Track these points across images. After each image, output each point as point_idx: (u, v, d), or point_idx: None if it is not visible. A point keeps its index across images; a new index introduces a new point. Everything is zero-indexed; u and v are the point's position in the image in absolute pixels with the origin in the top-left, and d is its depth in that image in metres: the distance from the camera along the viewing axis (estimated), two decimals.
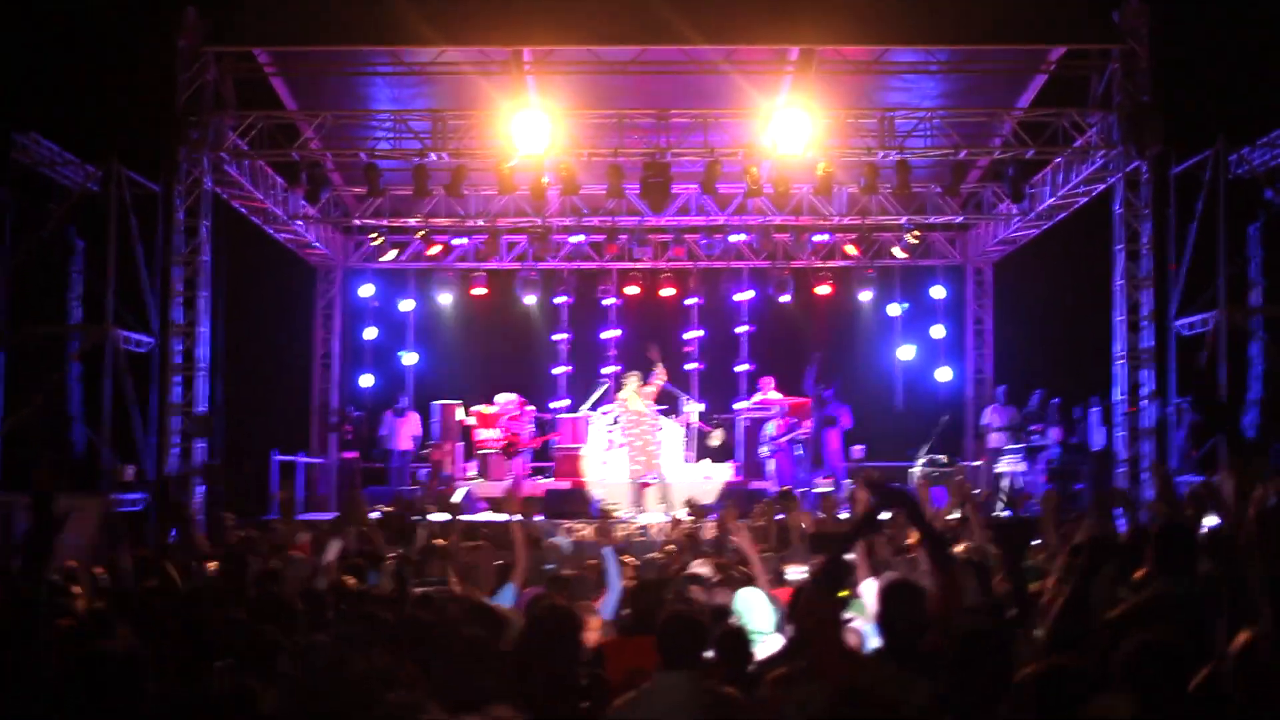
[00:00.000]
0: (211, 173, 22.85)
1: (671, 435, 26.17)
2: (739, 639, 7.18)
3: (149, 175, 22.87)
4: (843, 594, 8.58)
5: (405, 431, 27.47)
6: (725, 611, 8.96)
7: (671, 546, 15.61)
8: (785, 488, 23.00)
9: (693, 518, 17.26)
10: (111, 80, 23.17)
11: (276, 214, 25.92)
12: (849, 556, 9.76)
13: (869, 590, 8.94)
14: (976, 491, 23.27)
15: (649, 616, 8.18)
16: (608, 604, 9.82)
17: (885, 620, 6.59)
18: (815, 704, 6.02)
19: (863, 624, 8.69)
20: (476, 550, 11.95)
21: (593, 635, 8.73)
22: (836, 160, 23.48)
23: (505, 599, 9.73)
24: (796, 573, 10.30)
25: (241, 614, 7.87)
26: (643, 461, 23.29)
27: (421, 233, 28.04)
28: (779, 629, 8.60)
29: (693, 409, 27.93)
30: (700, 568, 11.14)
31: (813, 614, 6.74)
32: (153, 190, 22.90)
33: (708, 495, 24.11)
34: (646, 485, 23.48)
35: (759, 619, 8.70)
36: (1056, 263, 27.13)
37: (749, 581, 9.73)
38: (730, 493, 23.29)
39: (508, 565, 10.79)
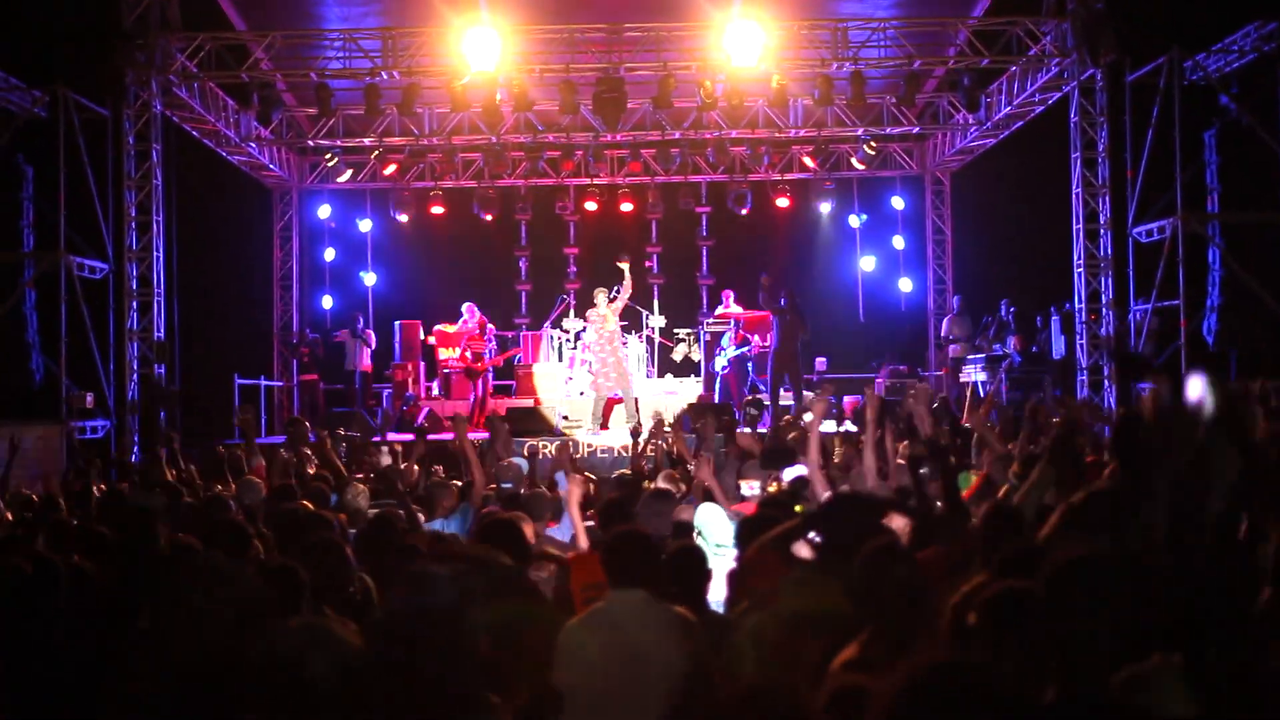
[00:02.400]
0: (161, 96, 22.65)
1: (635, 350, 26.18)
2: (693, 558, 7.14)
3: (97, 100, 22.63)
4: (798, 508, 8.60)
5: (364, 352, 27.34)
6: (687, 527, 8.96)
7: (641, 464, 15.66)
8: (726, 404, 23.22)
9: (658, 433, 17.23)
10: (56, 4, 22.86)
11: (229, 136, 25.75)
12: (803, 472, 9.80)
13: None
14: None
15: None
16: (563, 528, 9.81)
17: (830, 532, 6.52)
18: (766, 630, 6.03)
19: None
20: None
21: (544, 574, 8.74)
22: (791, 73, 23.38)
23: (463, 520, 9.74)
24: (750, 488, 10.32)
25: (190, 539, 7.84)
26: (613, 378, 23.23)
27: (376, 152, 27.88)
28: (735, 540, 8.57)
29: (655, 323, 27.91)
30: (665, 483, 11.13)
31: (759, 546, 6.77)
32: (101, 115, 22.65)
33: (671, 409, 24.21)
34: (614, 401, 23.45)
35: (719, 534, 8.68)
36: (1015, 172, 27.08)
37: (710, 497, 9.72)
38: (695, 407, 23.30)
39: (465, 486, 10.80)
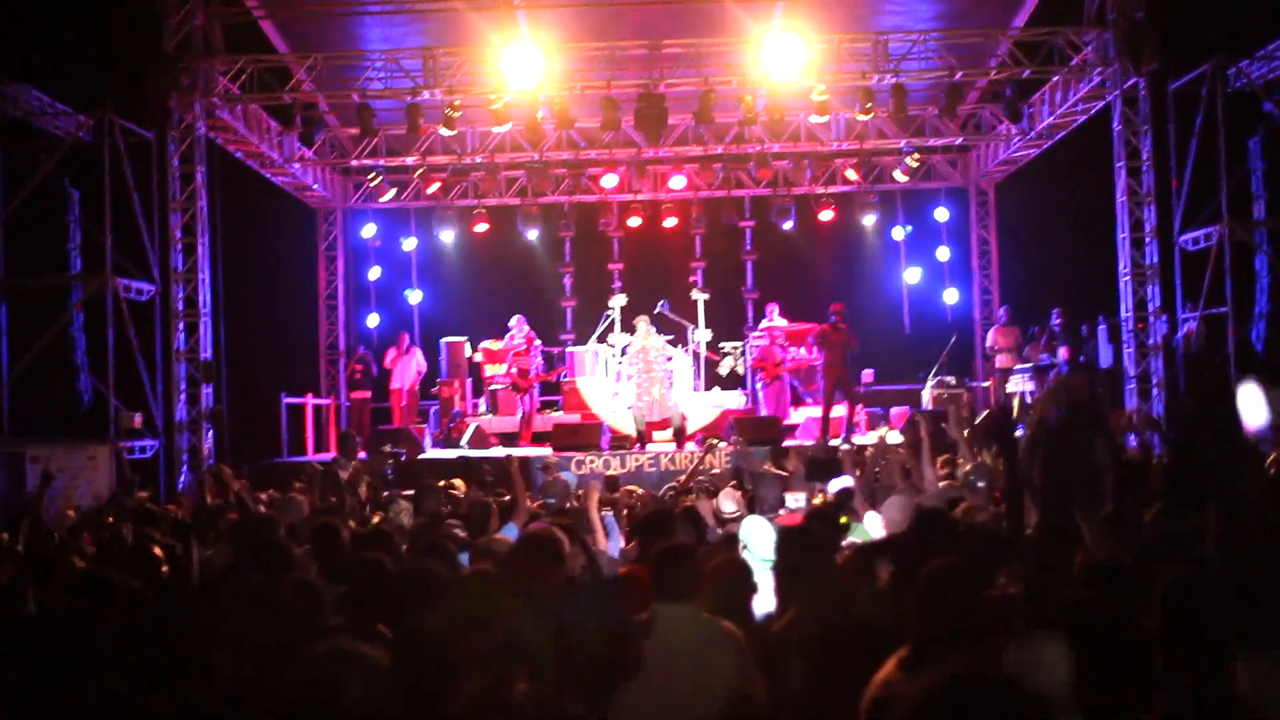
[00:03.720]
0: (204, 118, 22.80)
1: (680, 365, 26.18)
2: (738, 571, 7.15)
3: (142, 123, 22.77)
4: (844, 520, 8.61)
5: (410, 369, 27.38)
6: (734, 540, 8.97)
7: (684, 478, 15.68)
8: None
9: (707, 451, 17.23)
10: (101, 29, 23.01)
11: (272, 158, 25.88)
12: (849, 484, 9.80)
13: (871, 520, 8.96)
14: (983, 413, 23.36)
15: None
16: (611, 545, 9.84)
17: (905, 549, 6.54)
18: (812, 643, 6.03)
19: None
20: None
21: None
22: (832, 86, 23.34)
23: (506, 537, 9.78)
24: (795, 500, 10.30)
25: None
26: (652, 398, 23.28)
27: (419, 171, 27.97)
28: (776, 550, 8.56)
29: (700, 337, 27.90)
30: (725, 501, 11.14)
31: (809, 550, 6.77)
32: (146, 138, 22.79)
33: (715, 422, 24.30)
34: (654, 425, 23.50)
35: (764, 547, 8.67)
36: (1059, 182, 26.98)
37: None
38: (737, 423, 23.31)
39: (507, 505, 10.83)
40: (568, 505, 11.79)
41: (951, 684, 3.01)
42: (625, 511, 14.22)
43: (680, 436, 23.21)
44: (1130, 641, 4.73)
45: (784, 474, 12.34)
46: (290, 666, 4.49)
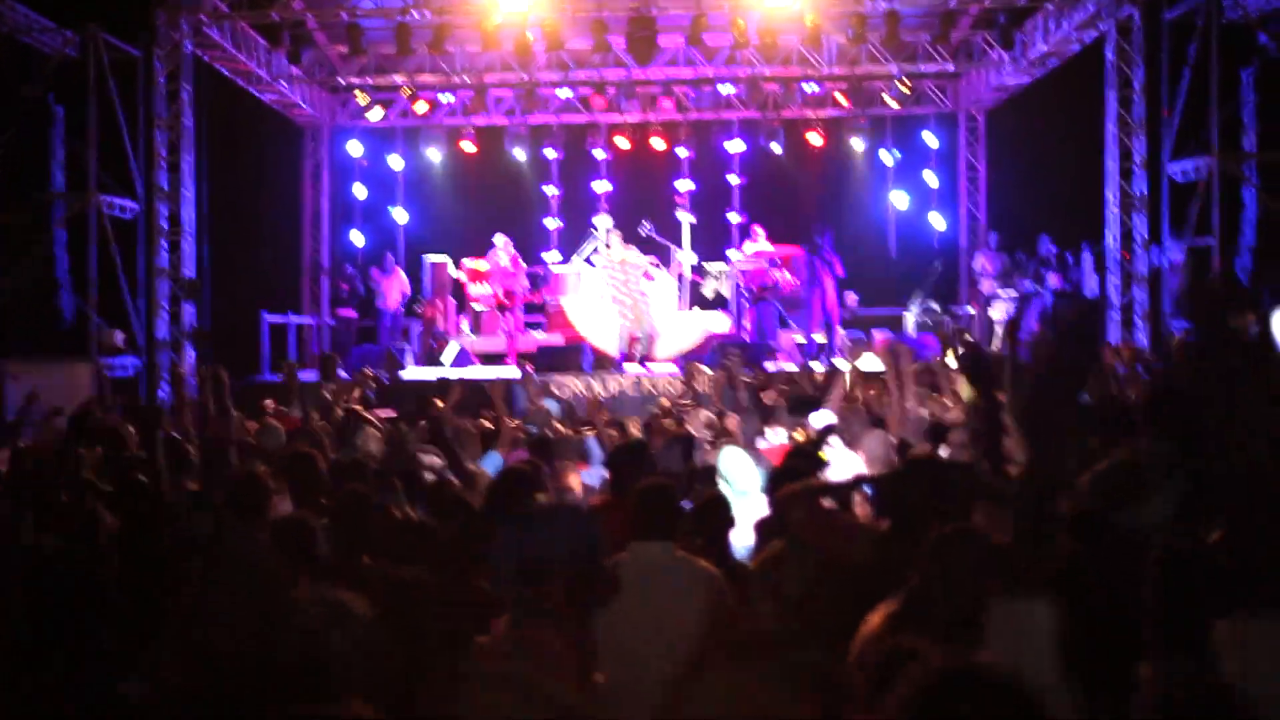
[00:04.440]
0: (192, 35, 22.64)
1: (664, 286, 26.11)
2: (717, 508, 7.13)
3: (128, 40, 22.59)
4: (822, 456, 8.58)
5: (394, 288, 27.25)
6: (712, 472, 8.94)
7: (665, 403, 15.66)
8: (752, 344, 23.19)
9: (688, 374, 17.20)
10: None
11: (259, 75, 25.62)
12: (831, 419, 9.77)
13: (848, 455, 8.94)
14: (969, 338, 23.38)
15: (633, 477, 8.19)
16: (593, 473, 9.81)
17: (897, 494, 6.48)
18: (794, 583, 6.01)
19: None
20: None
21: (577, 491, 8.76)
22: (824, 11, 23.18)
23: (489, 465, 9.72)
24: (775, 434, 10.26)
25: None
26: (631, 316, 23.20)
27: (407, 90, 27.78)
28: (765, 490, 8.52)
29: (685, 259, 27.81)
30: (700, 427, 11.12)
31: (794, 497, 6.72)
32: (132, 55, 22.65)
33: (699, 345, 24.27)
34: (635, 339, 23.42)
35: (743, 480, 8.65)
36: (1050, 110, 26.81)
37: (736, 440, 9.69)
38: (720, 346, 23.26)
39: (489, 432, 10.78)
40: (550, 433, 11.71)
41: (941, 682, 2.97)
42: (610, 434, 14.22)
43: (646, 357, 23.20)
44: (1123, 603, 4.69)
45: (766, 405, 12.30)
46: (274, 615, 4.45)
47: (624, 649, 6.05)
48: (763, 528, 7.34)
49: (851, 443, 9.27)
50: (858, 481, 6.87)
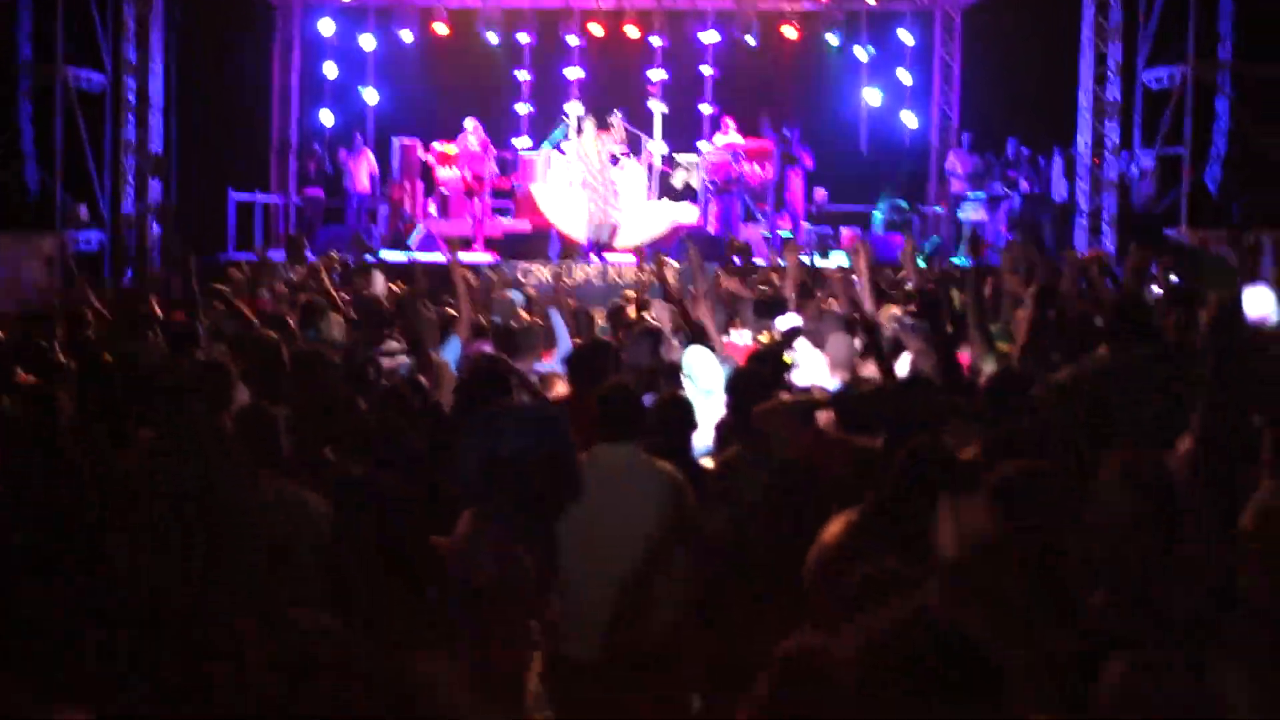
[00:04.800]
0: None
1: (634, 175, 26.03)
2: (679, 409, 7.14)
3: None
4: (787, 360, 8.59)
5: (362, 169, 27.06)
6: (675, 369, 8.94)
7: (630, 293, 15.64)
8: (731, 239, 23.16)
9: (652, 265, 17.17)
10: None
11: None
12: (796, 322, 9.77)
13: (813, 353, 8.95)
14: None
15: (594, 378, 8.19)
16: (557, 360, 9.78)
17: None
18: (750, 488, 6.06)
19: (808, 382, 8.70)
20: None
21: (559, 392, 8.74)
22: None
23: (449, 353, 9.68)
24: (741, 336, 10.25)
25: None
26: (599, 205, 23.17)
27: None
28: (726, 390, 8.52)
29: (655, 149, 27.72)
30: (660, 314, 11.10)
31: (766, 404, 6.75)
32: None
33: (666, 236, 24.24)
34: (602, 226, 23.40)
35: (707, 378, 8.65)
36: (1027, 11, 26.65)
37: (702, 336, 9.65)
38: (689, 236, 23.25)
39: (452, 317, 10.72)
40: (512, 324, 11.67)
41: (895, 637, 2.98)
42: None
43: (609, 246, 23.22)
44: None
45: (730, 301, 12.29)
46: (235, 514, 4.42)
47: (587, 549, 6.12)
48: (722, 429, 7.38)
49: (819, 345, 9.27)
50: (838, 400, 6.89)
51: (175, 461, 5.05)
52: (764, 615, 5.43)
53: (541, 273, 21.63)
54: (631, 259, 22.76)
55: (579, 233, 23.60)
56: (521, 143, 29.47)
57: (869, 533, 5.02)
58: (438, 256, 22.25)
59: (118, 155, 22.25)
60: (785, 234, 23.57)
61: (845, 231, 25.41)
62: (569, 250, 23.10)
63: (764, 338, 9.86)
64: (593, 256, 22.83)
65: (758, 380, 7.16)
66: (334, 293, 12.98)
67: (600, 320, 12.68)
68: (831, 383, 8.30)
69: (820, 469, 6.17)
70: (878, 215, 26.19)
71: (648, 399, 8.95)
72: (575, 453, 5.63)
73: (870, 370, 8.08)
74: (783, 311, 10.37)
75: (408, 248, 24.30)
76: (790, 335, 9.44)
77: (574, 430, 6.54)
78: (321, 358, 8.43)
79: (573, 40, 29.71)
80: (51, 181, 21.71)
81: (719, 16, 29.57)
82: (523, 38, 29.76)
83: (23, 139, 22.49)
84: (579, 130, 24.35)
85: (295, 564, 4.21)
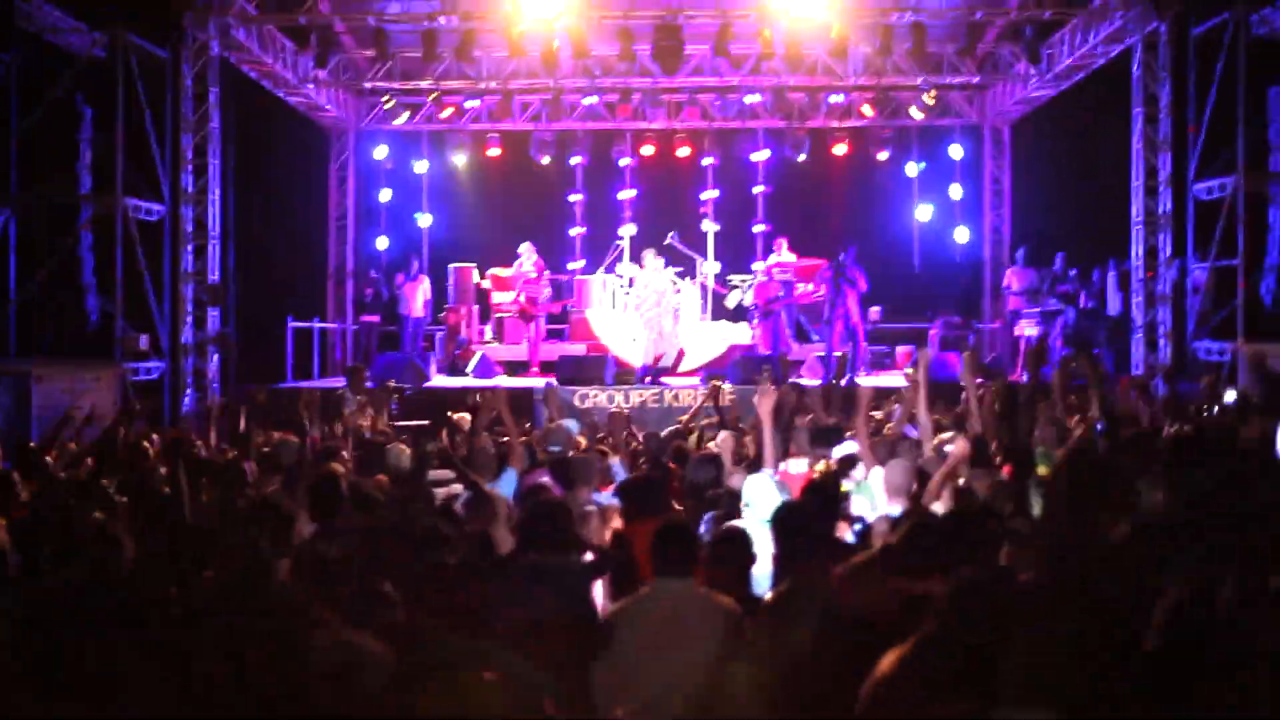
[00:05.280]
0: (219, 38, 22.70)
1: (689, 297, 26.15)
2: (737, 544, 7.14)
3: (156, 41, 22.63)
4: (843, 489, 8.58)
5: (418, 295, 27.26)
6: (736, 497, 8.97)
7: (686, 418, 15.66)
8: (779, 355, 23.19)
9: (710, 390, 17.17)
10: None
11: (286, 78, 25.63)
12: (853, 449, 9.77)
13: (876, 478, 8.92)
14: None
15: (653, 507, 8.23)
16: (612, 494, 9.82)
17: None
18: (800, 624, 6.03)
19: (868, 510, 8.68)
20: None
21: (608, 533, 8.75)
22: (850, 22, 23.19)
23: (506, 484, 9.73)
24: (798, 465, 10.21)
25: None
26: (657, 331, 23.27)
27: (433, 95, 27.78)
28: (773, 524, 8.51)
29: (709, 269, 27.84)
30: (722, 445, 11.10)
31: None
32: (160, 57, 22.68)
33: (722, 357, 24.30)
34: (661, 354, 23.50)
35: (765, 508, 8.63)
36: (1075, 124, 26.75)
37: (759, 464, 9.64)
38: (741, 360, 23.32)
39: (504, 449, 10.77)
40: (570, 453, 11.70)
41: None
42: (632, 447, 14.24)
43: (671, 370, 23.28)
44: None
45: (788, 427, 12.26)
46: (290, 659, 4.45)
47: (646, 683, 6.12)
48: (778, 562, 7.37)
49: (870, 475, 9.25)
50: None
51: (235, 606, 5.09)
52: None
53: (597, 397, 21.68)
54: (688, 382, 22.81)
55: (635, 358, 23.68)
56: (576, 265, 29.66)
57: (923, 666, 4.99)
58: (496, 382, 22.38)
59: (176, 284, 22.48)
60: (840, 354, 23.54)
61: (900, 349, 25.42)
62: (624, 375, 23.14)
63: (820, 466, 9.83)
64: (648, 380, 22.85)
65: (806, 514, 7.13)
66: (391, 424, 13.08)
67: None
68: (892, 509, 8.27)
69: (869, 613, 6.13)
70: (931, 334, 26.17)
71: (707, 519, 9.00)
72: (595, 611, 5.65)
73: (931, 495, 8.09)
74: (840, 440, 10.37)
75: (465, 374, 24.40)
76: (846, 464, 9.44)
77: (628, 559, 6.61)
78: (379, 494, 8.49)
79: (624, 161, 29.92)
80: (112, 310, 21.93)
81: (769, 135, 29.76)
82: (575, 159, 30.01)
83: (83, 269, 22.78)
84: (637, 259, 24.51)
85: (353, 708, 4.22)
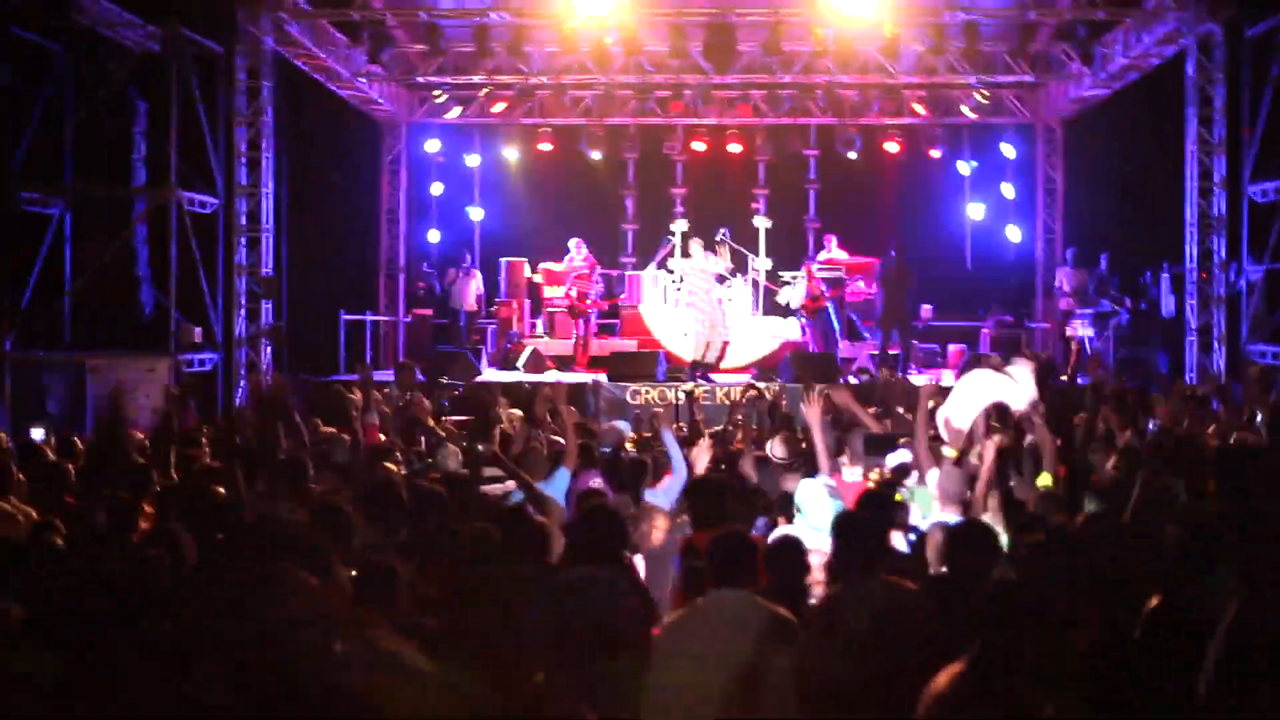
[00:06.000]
0: (273, 32, 22.80)
1: (740, 293, 26.14)
2: (790, 553, 7.15)
3: (210, 35, 22.77)
4: (897, 499, 8.58)
5: (470, 289, 27.33)
6: (789, 500, 8.97)
7: (739, 418, 15.67)
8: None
9: (758, 390, 17.19)
10: None
11: (339, 72, 25.70)
12: (906, 458, 9.76)
13: (933, 480, 8.89)
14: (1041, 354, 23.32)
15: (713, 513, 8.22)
16: (670, 489, 9.70)
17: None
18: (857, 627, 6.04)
19: (919, 518, 8.68)
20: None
21: (659, 535, 8.71)
22: (903, 21, 23.14)
23: (558, 484, 9.74)
24: (852, 474, 10.19)
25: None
26: (706, 326, 23.20)
27: (485, 90, 27.83)
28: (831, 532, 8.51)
29: (761, 265, 27.81)
30: (776, 446, 11.11)
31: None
32: (214, 51, 22.84)
33: (774, 354, 24.26)
34: (710, 346, 23.46)
35: (818, 515, 8.63)
36: (1129, 124, 26.57)
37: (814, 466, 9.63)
38: (795, 356, 23.30)
39: (557, 451, 10.78)
40: (622, 455, 11.74)
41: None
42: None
43: (714, 366, 23.21)
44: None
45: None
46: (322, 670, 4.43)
47: (701, 694, 6.13)
48: (828, 569, 7.37)
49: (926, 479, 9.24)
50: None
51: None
52: None
53: (649, 394, 21.68)
54: (739, 379, 22.76)
55: (686, 353, 23.64)
56: (627, 260, 29.67)
57: (978, 683, 4.99)
58: (547, 376, 22.40)
59: (230, 277, 22.63)
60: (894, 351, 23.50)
61: (952, 348, 25.37)
62: (676, 371, 23.12)
63: (874, 475, 9.82)
64: (700, 376, 22.81)
65: (864, 524, 7.13)
66: (440, 421, 13.10)
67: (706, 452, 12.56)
68: (946, 516, 8.26)
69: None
70: (983, 333, 26.07)
71: (761, 522, 9.01)
72: (630, 626, 5.64)
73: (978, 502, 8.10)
74: (893, 448, 10.35)
75: (516, 368, 24.44)
76: (900, 473, 9.44)
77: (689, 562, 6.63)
78: (442, 497, 8.50)
79: (676, 157, 29.91)
80: (166, 303, 22.07)
81: (821, 132, 29.70)
82: (626, 155, 30.00)
83: (138, 261, 22.94)
84: (685, 251, 24.49)
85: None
